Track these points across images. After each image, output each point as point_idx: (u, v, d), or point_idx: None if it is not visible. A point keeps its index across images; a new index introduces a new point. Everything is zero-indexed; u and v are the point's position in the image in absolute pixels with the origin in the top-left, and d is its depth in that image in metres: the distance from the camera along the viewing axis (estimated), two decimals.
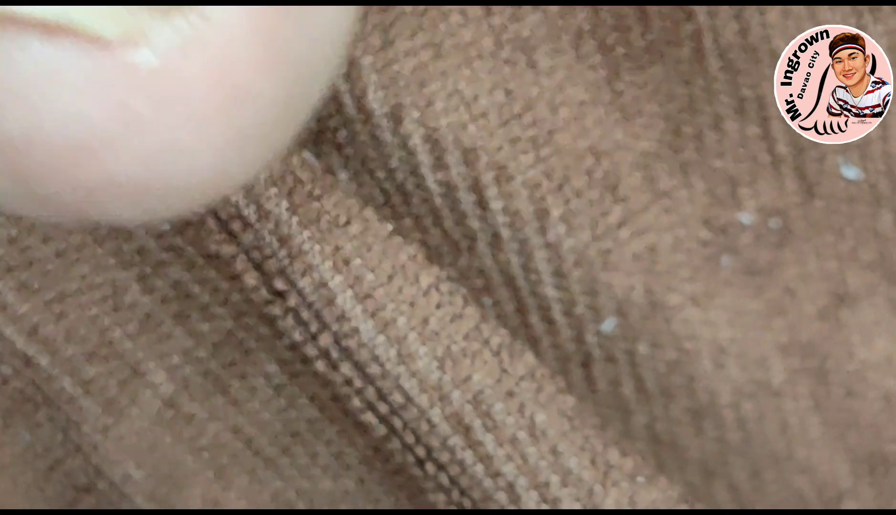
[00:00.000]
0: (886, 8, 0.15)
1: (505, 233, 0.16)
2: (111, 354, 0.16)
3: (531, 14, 0.15)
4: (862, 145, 0.16)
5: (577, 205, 0.16)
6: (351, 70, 0.15)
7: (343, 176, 0.16)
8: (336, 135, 0.16)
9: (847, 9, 0.15)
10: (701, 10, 0.15)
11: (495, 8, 0.15)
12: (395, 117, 0.15)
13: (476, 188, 0.16)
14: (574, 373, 0.18)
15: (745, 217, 0.17)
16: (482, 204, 0.16)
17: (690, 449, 0.18)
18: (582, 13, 0.15)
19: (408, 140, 0.15)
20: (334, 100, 0.15)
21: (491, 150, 0.15)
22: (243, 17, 0.09)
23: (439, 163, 0.15)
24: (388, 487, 0.17)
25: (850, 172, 0.17)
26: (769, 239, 0.17)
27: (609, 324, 0.17)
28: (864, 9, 0.15)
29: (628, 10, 0.15)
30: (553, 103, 0.16)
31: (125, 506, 0.17)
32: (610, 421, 0.18)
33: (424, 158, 0.15)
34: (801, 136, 0.16)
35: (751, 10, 0.15)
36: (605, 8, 0.15)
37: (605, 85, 0.16)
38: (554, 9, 0.15)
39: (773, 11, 0.15)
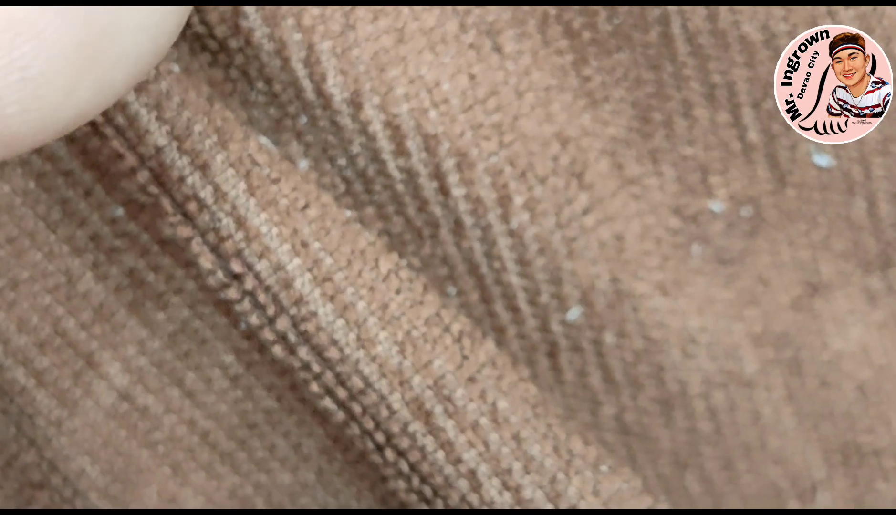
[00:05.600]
0: None
1: (467, 220, 0.17)
2: (64, 344, 0.17)
3: None
4: None
5: (540, 193, 0.17)
6: (310, 55, 0.15)
7: (303, 164, 0.16)
8: (296, 121, 0.16)
9: None
10: None
11: None
12: (355, 103, 0.16)
13: (438, 175, 0.16)
14: (540, 363, 0.18)
15: (717, 205, 0.18)
16: (444, 190, 0.16)
17: (661, 440, 0.19)
18: None
19: (368, 126, 0.16)
20: (293, 86, 0.16)
21: (453, 137, 0.16)
22: None
23: (400, 150, 0.16)
24: (348, 477, 0.18)
25: (822, 160, 0.17)
26: (741, 227, 0.18)
27: (574, 313, 0.18)
28: None
29: None
30: (518, 88, 0.16)
31: (79, 503, 0.18)
32: (578, 412, 0.19)
33: (385, 145, 0.16)
34: (772, 124, 0.17)
35: None
36: None
37: (571, 70, 0.17)
38: None
39: None
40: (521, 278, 0.17)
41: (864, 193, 0.18)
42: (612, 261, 0.18)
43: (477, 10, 0.16)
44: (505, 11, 0.16)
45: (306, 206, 0.15)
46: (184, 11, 0.11)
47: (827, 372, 0.19)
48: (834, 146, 0.17)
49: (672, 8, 0.16)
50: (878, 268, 0.19)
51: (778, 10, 0.16)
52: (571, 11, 0.16)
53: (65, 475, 0.17)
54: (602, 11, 0.16)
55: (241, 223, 0.15)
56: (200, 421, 0.18)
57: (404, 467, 0.15)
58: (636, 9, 0.16)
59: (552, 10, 0.16)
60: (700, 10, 0.16)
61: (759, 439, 0.19)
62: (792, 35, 0.15)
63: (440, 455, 0.15)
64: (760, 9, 0.16)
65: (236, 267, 0.15)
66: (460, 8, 0.16)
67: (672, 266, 0.18)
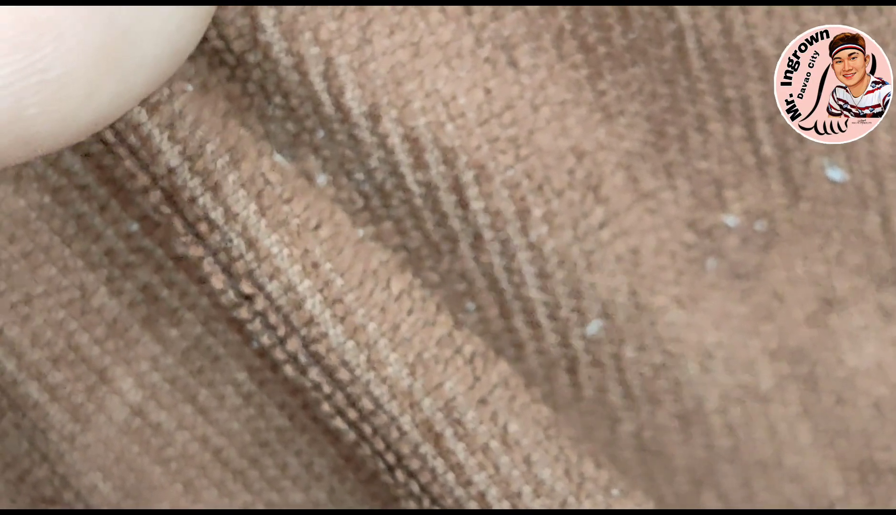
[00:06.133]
0: (870, 7, 0.16)
1: (486, 233, 0.17)
2: (78, 359, 0.17)
3: (512, 12, 0.16)
4: (847, 146, 0.17)
5: (558, 206, 0.17)
6: (328, 68, 0.15)
7: (321, 179, 0.16)
8: (313, 136, 0.16)
9: (831, 8, 0.16)
10: (683, 9, 0.16)
11: (475, 6, 0.16)
12: (373, 116, 0.16)
13: (456, 187, 0.16)
14: (560, 379, 0.18)
15: (731, 219, 0.18)
16: (463, 204, 0.16)
17: (678, 457, 0.19)
18: (563, 11, 0.16)
19: (386, 139, 0.16)
20: (311, 99, 0.16)
21: (470, 150, 0.16)
22: None
23: (418, 163, 0.16)
24: (359, 497, 0.18)
25: (836, 174, 0.17)
26: (755, 241, 0.18)
27: (594, 327, 0.18)
28: (849, 8, 0.16)
29: (609, 9, 0.16)
30: (534, 102, 0.16)
31: None
32: (596, 429, 0.19)
33: (403, 158, 0.16)
34: (787, 138, 0.17)
35: (734, 10, 0.16)
36: (587, 6, 0.16)
37: (586, 84, 0.17)
38: (535, 7, 0.16)
39: (757, 11, 0.16)
40: (541, 292, 0.17)
41: (878, 208, 0.18)
42: (630, 275, 0.18)
43: (492, 25, 0.16)
44: (520, 26, 0.16)
45: (318, 226, 0.15)
46: (204, 15, 0.11)
47: (842, 388, 0.19)
48: (847, 160, 0.17)
49: (687, 22, 0.16)
50: (893, 284, 0.19)
51: (792, 25, 0.16)
52: (587, 26, 0.16)
53: (77, 490, 0.17)
54: (617, 26, 0.16)
55: (251, 244, 0.15)
56: (213, 437, 0.18)
57: (415, 488, 0.15)
58: (651, 23, 0.16)
59: (567, 24, 0.16)
60: (714, 25, 0.16)
61: (775, 456, 0.19)
62: None
63: (450, 477, 0.15)
64: (775, 23, 0.16)
65: (247, 287, 0.15)
66: (476, 22, 0.16)
67: (687, 280, 0.18)
